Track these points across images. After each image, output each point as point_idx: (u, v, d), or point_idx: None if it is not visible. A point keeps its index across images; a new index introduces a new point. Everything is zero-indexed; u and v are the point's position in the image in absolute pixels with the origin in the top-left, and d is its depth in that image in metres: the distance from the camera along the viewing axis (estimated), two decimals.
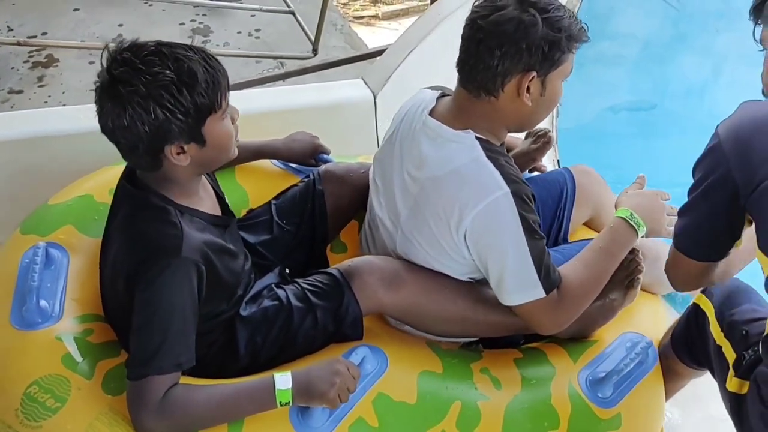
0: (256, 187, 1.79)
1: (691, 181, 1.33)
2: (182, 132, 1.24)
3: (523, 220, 1.38)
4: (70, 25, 4.14)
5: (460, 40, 1.43)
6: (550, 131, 1.88)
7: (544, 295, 1.41)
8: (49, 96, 3.66)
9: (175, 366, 1.25)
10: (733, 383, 1.36)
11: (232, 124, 1.33)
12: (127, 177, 1.36)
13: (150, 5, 4.13)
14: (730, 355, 1.39)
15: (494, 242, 1.41)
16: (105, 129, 1.26)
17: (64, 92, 3.69)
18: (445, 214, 1.42)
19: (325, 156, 1.84)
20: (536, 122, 1.55)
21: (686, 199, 1.35)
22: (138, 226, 1.30)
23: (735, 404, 1.36)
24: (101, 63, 1.24)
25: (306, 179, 1.75)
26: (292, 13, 3.69)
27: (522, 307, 1.44)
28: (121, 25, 4.10)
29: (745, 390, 1.33)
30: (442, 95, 1.55)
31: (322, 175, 1.73)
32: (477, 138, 1.43)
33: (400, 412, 1.39)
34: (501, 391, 1.48)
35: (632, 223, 1.50)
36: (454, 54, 2.43)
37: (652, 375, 1.56)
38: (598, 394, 1.51)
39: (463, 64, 1.43)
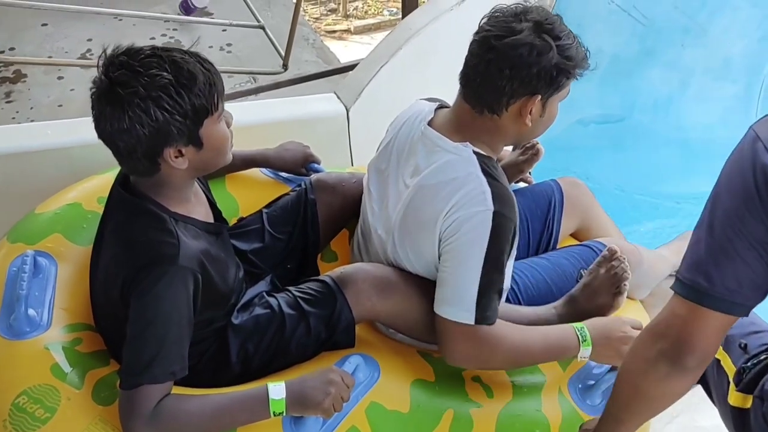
0: (246, 197, 1.79)
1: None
2: (181, 134, 1.24)
3: (493, 244, 1.38)
4: (38, 39, 4.09)
5: (468, 55, 1.44)
6: (538, 143, 1.90)
7: (471, 322, 1.39)
8: (17, 112, 3.61)
9: (169, 375, 1.23)
10: (734, 397, 1.32)
11: (228, 128, 1.34)
12: (121, 183, 1.35)
13: (120, 20, 4.10)
14: (730, 368, 1.36)
15: (456, 248, 1.41)
16: (103, 134, 1.26)
17: (32, 108, 3.64)
18: (431, 219, 1.43)
19: (316, 165, 1.85)
20: (531, 139, 1.59)
21: (695, 226, 1.11)
22: (134, 233, 1.28)
23: (738, 419, 1.32)
24: (97, 68, 1.24)
25: (297, 188, 1.75)
26: (262, 28, 3.69)
27: (445, 322, 1.42)
28: (90, 40, 4.07)
29: (748, 404, 1.30)
30: (440, 107, 1.57)
31: (314, 184, 1.73)
32: (475, 152, 1.45)
33: (393, 421, 1.39)
34: (493, 399, 1.48)
35: (579, 335, 1.47)
36: (425, 68, 2.46)
37: None
38: (587, 401, 1.52)
39: (467, 80, 1.44)
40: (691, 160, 3.17)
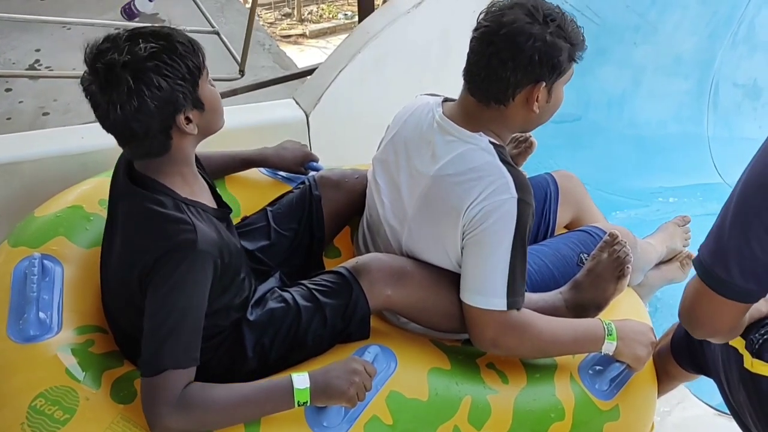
0: (247, 197, 1.79)
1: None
2: (186, 98, 1.26)
3: (518, 230, 1.40)
4: None
5: (469, 52, 1.46)
6: (531, 136, 1.91)
7: (503, 308, 1.42)
8: None
9: (191, 360, 1.22)
10: (756, 365, 1.36)
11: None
12: (126, 173, 1.34)
13: (68, 29, 4.02)
14: (738, 342, 1.40)
15: (484, 237, 1.42)
16: (115, 123, 1.25)
17: None
18: (454, 209, 1.44)
19: (314, 164, 1.86)
20: (539, 125, 1.60)
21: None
22: (149, 222, 1.27)
23: (759, 383, 1.36)
24: (85, 63, 1.23)
25: (301, 185, 1.75)
26: (217, 33, 3.64)
27: (475, 311, 1.44)
28: (38, 50, 3.97)
29: (765, 371, 1.35)
30: (445, 100, 1.58)
31: (318, 181, 1.74)
32: (490, 142, 1.46)
33: (414, 409, 1.40)
34: (508, 385, 1.50)
35: (606, 328, 1.51)
36: (384, 71, 2.46)
37: (645, 368, 1.60)
38: (596, 386, 1.55)
39: (472, 75, 1.46)
40: (646, 155, 3.24)
